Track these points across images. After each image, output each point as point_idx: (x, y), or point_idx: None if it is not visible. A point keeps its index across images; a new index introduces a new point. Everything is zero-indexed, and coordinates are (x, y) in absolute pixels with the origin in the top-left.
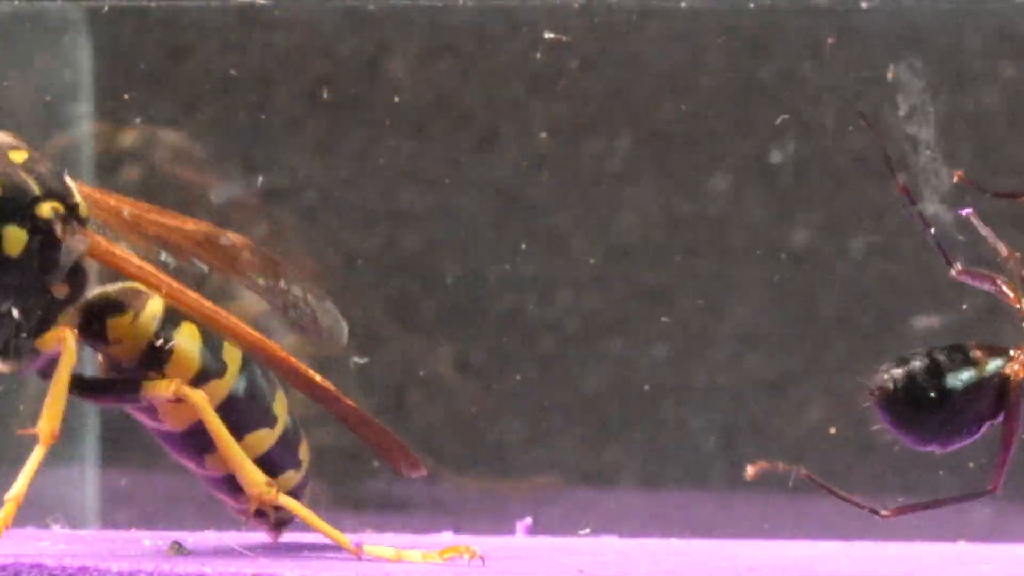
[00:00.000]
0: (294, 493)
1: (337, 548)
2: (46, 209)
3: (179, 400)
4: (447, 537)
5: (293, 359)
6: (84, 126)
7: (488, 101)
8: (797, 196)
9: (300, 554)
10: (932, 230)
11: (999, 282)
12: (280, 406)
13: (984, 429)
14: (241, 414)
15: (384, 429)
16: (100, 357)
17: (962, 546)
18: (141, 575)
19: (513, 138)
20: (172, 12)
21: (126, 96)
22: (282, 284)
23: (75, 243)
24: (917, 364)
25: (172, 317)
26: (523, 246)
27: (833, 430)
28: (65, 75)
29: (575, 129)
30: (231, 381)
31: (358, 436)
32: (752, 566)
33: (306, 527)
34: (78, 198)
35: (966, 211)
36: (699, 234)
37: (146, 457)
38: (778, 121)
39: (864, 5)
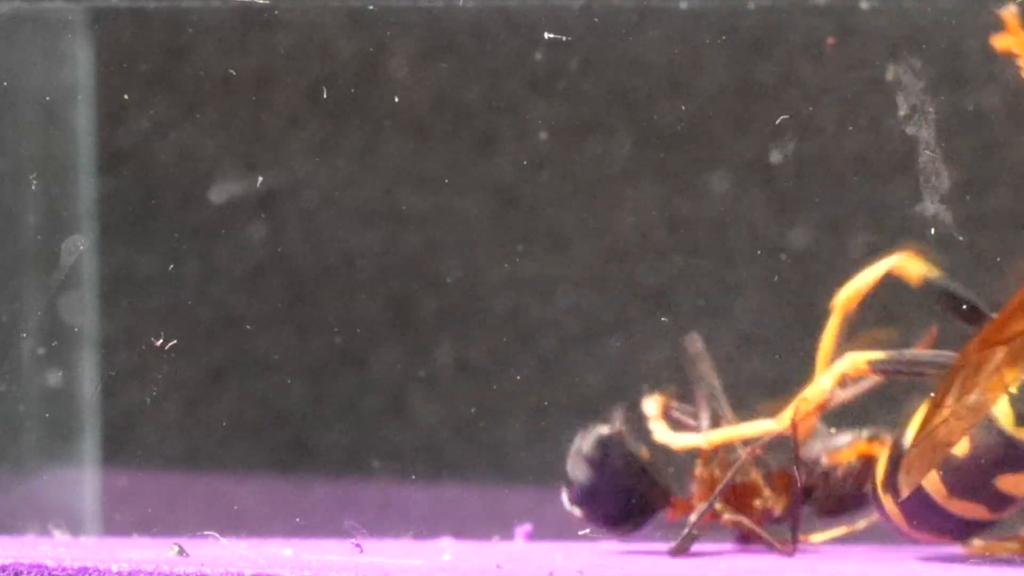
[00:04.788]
0: None
1: (337, 549)
2: None
3: None
4: (447, 542)
5: None
6: (84, 126)
7: (488, 101)
8: (797, 196)
9: (300, 554)
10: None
11: None
12: None
13: None
14: None
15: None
16: None
17: (961, 549)
18: (141, 575)
19: (513, 138)
20: (172, 12)
21: (126, 96)
22: None
23: None
24: None
25: None
26: (523, 246)
27: (833, 430)
28: (65, 75)
29: (575, 129)
30: None
31: None
32: (751, 569)
33: None
34: None
35: None
36: (699, 234)
37: (146, 458)
38: (778, 121)
39: (864, 5)
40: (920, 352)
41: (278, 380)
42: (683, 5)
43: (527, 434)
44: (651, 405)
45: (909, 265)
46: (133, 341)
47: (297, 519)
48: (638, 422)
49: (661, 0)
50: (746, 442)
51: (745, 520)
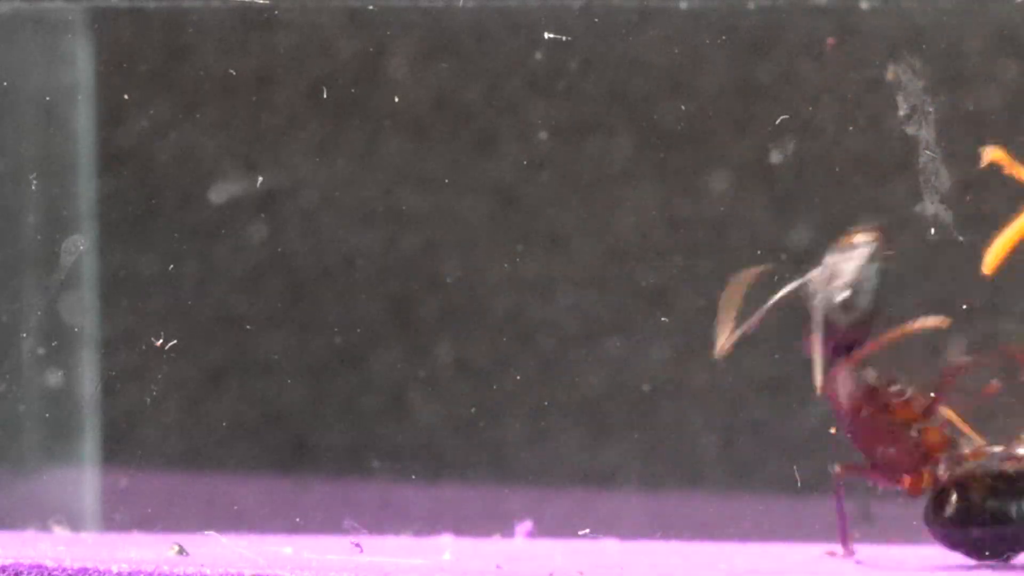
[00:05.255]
0: None
1: (337, 549)
2: None
3: None
4: (447, 540)
5: None
6: (84, 126)
7: (488, 101)
8: (797, 196)
9: (300, 554)
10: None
11: None
12: None
13: None
14: None
15: None
16: None
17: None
18: (141, 575)
19: (513, 138)
20: (172, 12)
21: (126, 96)
22: None
23: None
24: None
25: None
26: (523, 246)
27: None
28: (65, 75)
29: (575, 129)
30: None
31: None
32: (752, 568)
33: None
34: None
35: None
36: (699, 234)
37: (146, 458)
38: (778, 121)
39: (864, 5)
40: None
41: (278, 380)
42: (683, 5)
43: (527, 434)
44: None
45: None
46: (133, 341)
47: (297, 519)
48: None
49: (661, 0)
50: None
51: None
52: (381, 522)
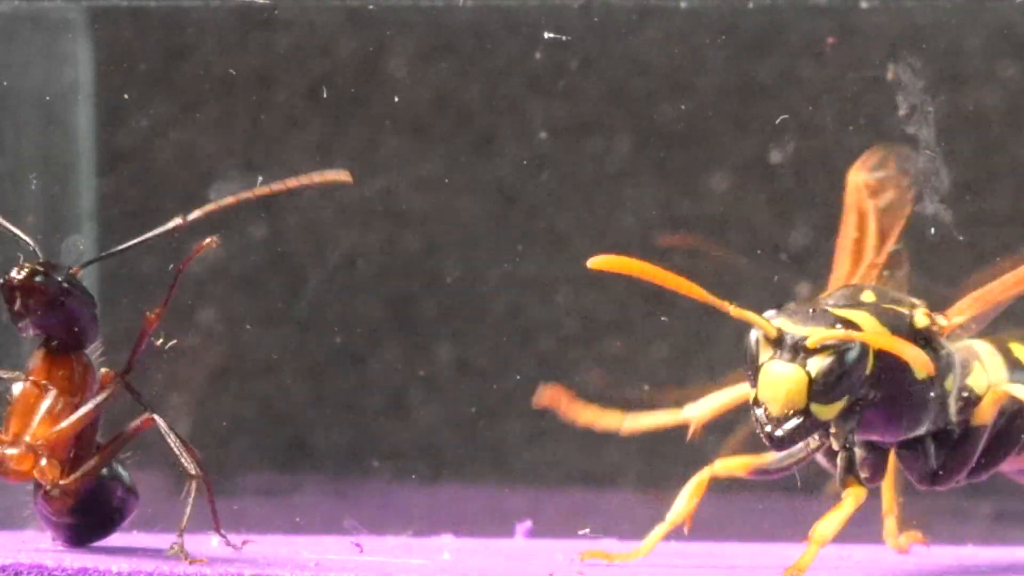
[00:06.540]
0: None
1: (337, 548)
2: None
3: None
4: (447, 539)
5: None
6: (84, 126)
7: (488, 101)
8: (797, 196)
9: (299, 554)
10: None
11: None
12: None
13: None
14: None
15: None
16: None
17: (960, 550)
18: (141, 575)
19: (513, 138)
20: (172, 12)
21: (126, 96)
22: None
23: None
24: None
25: None
26: (523, 246)
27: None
28: (65, 75)
29: (575, 129)
30: None
31: None
32: (751, 568)
33: None
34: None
35: None
36: (699, 234)
37: (145, 458)
38: (778, 121)
39: (864, 5)
40: None
41: (278, 380)
42: (683, 5)
43: (527, 434)
44: None
45: None
46: (133, 341)
47: (297, 518)
48: None
49: (661, 0)
50: None
51: None
52: (381, 522)
